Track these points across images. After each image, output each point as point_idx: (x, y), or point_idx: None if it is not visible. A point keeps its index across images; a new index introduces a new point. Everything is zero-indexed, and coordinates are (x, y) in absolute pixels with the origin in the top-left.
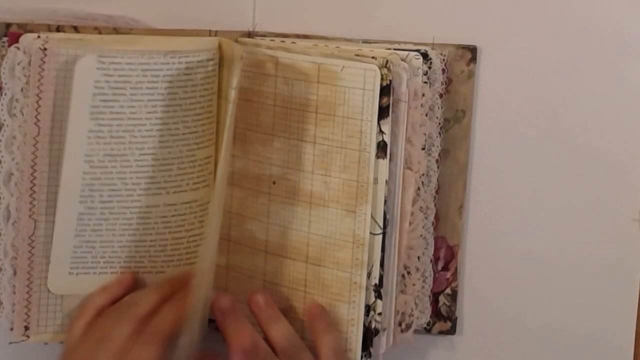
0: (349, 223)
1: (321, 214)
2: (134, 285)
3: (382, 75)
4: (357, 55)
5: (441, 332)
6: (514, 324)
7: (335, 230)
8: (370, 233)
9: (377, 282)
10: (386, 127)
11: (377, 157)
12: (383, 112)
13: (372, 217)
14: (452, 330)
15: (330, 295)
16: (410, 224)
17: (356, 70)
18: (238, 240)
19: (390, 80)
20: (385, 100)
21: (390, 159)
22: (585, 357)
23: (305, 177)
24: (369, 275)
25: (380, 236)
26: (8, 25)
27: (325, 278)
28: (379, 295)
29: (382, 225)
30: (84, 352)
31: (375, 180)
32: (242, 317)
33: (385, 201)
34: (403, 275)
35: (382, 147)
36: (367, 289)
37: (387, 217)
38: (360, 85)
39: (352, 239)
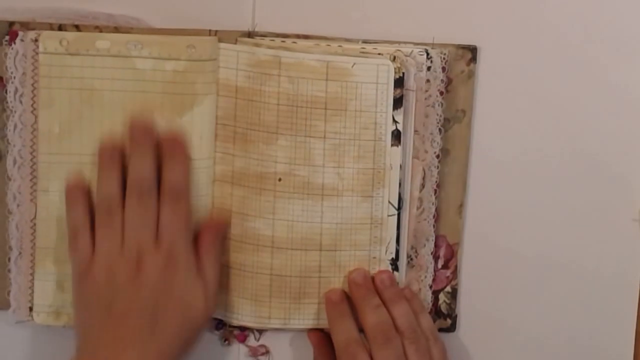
0: (365, 207)
1: (335, 203)
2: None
3: (394, 68)
4: (363, 53)
5: (441, 330)
6: (513, 322)
7: (351, 216)
8: (387, 215)
9: (394, 257)
10: (399, 117)
11: (392, 145)
12: (396, 103)
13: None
14: (452, 328)
15: (348, 274)
16: (417, 209)
17: (368, 65)
18: (239, 238)
19: (403, 73)
20: (398, 91)
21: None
22: (584, 356)
23: (316, 171)
24: (385, 251)
25: (395, 217)
26: (10, 24)
27: (342, 260)
28: (396, 268)
29: (396, 206)
30: (115, 242)
31: (390, 166)
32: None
33: (400, 184)
34: (411, 257)
35: (395, 136)
36: (384, 262)
37: (401, 199)
38: (373, 80)
39: (370, 220)
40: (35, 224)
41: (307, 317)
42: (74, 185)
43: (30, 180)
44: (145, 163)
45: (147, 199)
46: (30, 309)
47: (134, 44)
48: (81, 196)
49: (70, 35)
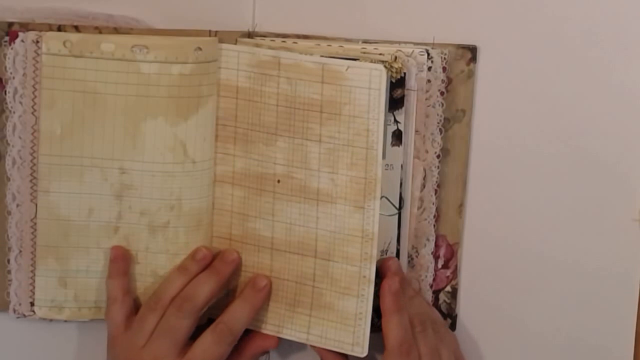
0: (357, 219)
1: (329, 210)
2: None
3: (395, 68)
4: (364, 53)
5: None
6: (513, 322)
7: (344, 225)
8: (387, 215)
9: (395, 255)
10: (401, 117)
11: (393, 145)
12: (397, 103)
13: (387, 199)
14: (452, 328)
15: (339, 289)
16: (418, 208)
17: (362, 70)
18: (241, 239)
19: (404, 73)
20: (399, 92)
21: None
22: (584, 356)
23: (312, 175)
24: (386, 251)
25: (396, 216)
26: (10, 24)
27: (335, 272)
28: None
29: (397, 206)
30: (140, 340)
31: (391, 166)
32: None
33: (400, 184)
34: (411, 257)
35: (397, 136)
36: (373, 282)
37: (402, 198)
38: (366, 85)
39: (361, 234)
40: (35, 223)
41: (299, 329)
42: (121, 257)
43: (30, 180)
44: (210, 285)
45: (187, 317)
46: (32, 304)
47: (139, 47)
48: (123, 268)
49: (74, 36)
